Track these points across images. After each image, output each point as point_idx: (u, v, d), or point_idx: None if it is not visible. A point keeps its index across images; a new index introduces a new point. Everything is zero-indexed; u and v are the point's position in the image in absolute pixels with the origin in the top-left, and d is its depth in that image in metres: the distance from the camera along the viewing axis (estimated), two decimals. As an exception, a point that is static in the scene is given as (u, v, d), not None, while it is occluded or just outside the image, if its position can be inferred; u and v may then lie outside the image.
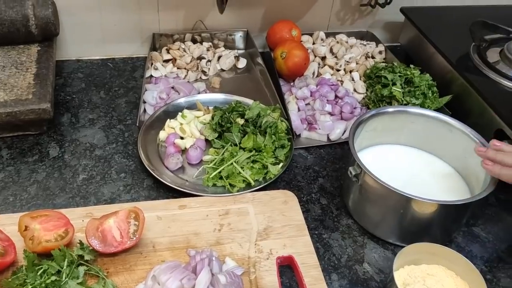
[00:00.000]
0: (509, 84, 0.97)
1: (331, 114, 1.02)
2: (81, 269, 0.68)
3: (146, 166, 0.88)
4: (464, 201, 0.73)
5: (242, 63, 1.21)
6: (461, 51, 1.08)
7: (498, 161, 0.73)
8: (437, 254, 0.73)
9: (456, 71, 1.03)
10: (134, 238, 0.72)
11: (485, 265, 0.79)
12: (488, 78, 0.99)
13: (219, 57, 1.19)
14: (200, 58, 1.17)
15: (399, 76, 1.04)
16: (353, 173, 0.78)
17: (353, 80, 1.12)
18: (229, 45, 1.25)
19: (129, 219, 0.74)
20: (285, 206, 0.84)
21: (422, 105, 1.00)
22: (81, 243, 0.71)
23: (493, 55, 1.04)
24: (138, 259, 0.73)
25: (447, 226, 0.79)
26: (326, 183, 0.92)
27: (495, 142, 0.75)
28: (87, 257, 0.70)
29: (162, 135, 0.96)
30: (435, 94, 1.03)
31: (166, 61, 1.16)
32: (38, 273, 0.67)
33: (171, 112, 1.01)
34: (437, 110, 1.01)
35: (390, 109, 0.88)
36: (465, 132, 0.84)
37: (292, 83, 1.11)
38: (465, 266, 0.71)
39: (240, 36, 1.24)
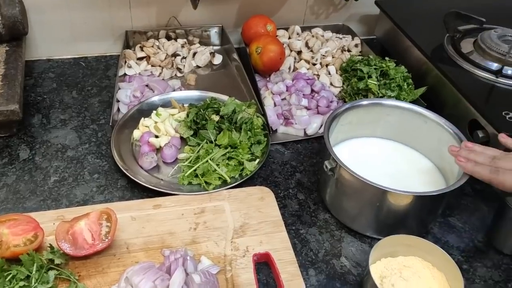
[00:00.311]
0: (482, 74, 0.97)
1: (307, 108, 1.02)
2: (51, 273, 0.66)
3: (120, 166, 0.87)
4: (438, 192, 0.72)
5: (217, 59, 1.19)
6: (436, 43, 1.08)
7: (471, 160, 0.74)
8: (414, 245, 0.73)
9: (430, 63, 1.03)
10: (106, 240, 0.71)
11: (461, 255, 0.79)
12: (462, 69, 1.00)
13: (194, 54, 1.18)
14: (174, 55, 1.15)
15: (375, 68, 1.04)
16: (329, 167, 0.77)
17: (329, 74, 1.12)
18: (204, 41, 1.23)
19: (100, 221, 0.72)
20: (262, 203, 0.83)
21: (397, 97, 1.00)
22: (51, 246, 0.69)
23: (467, 45, 1.04)
24: (111, 261, 0.72)
25: (423, 217, 0.79)
26: (303, 178, 0.91)
27: (467, 144, 0.77)
28: (57, 261, 0.68)
29: (136, 134, 0.95)
30: (410, 86, 1.03)
31: (140, 58, 1.14)
32: (7, 279, 0.65)
33: (145, 111, 1.00)
34: (413, 102, 1.01)
35: (365, 102, 0.87)
36: (440, 123, 0.84)
37: (268, 78, 1.10)
38: (441, 257, 0.71)
39: (215, 32, 1.23)
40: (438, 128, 0.84)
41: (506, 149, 0.76)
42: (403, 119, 0.88)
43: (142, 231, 0.77)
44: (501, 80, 0.95)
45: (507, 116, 0.86)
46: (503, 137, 0.77)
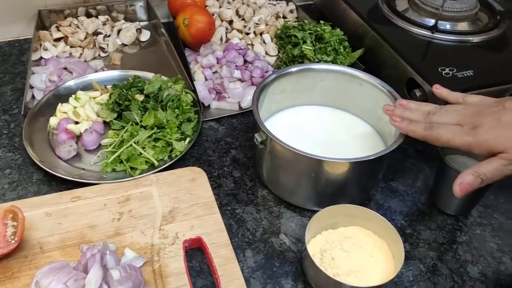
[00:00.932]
0: (418, 31, 0.93)
1: (241, 80, 0.96)
2: None
3: (33, 158, 0.78)
4: (374, 156, 0.68)
5: (145, 35, 1.11)
6: (371, 3, 1.03)
7: (405, 117, 0.69)
8: (354, 215, 0.69)
9: (366, 24, 0.99)
10: (13, 242, 0.63)
11: (404, 219, 0.76)
12: (398, 27, 0.95)
13: (118, 31, 1.09)
14: (96, 33, 1.06)
15: (309, 33, 0.98)
16: (259, 139, 0.72)
17: (264, 42, 1.06)
18: (130, 17, 1.14)
19: (5, 221, 0.64)
20: (193, 184, 0.77)
21: (334, 61, 0.95)
22: None
23: (401, 3, 1.00)
24: (22, 264, 0.64)
25: (363, 184, 0.75)
26: (239, 154, 0.85)
27: (401, 102, 0.72)
28: (-45, 270, 0.60)
29: (53, 121, 0.86)
30: (347, 49, 0.98)
31: (58, 40, 1.04)
32: None
33: (63, 96, 0.91)
34: (351, 65, 0.97)
35: (294, 69, 0.81)
36: (375, 84, 0.79)
37: (198, 52, 1.02)
38: (381, 224, 0.67)
39: (141, 6, 1.14)
40: (374, 90, 0.79)
41: (446, 103, 0.72)
42: (338, 83, 0.83)
43: (59, 227, 0.69)
44: (437, 35, 0.91)
45: (443, 72, 0.83)
46: (437, 88, 0.73)
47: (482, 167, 0.62)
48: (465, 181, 0.62)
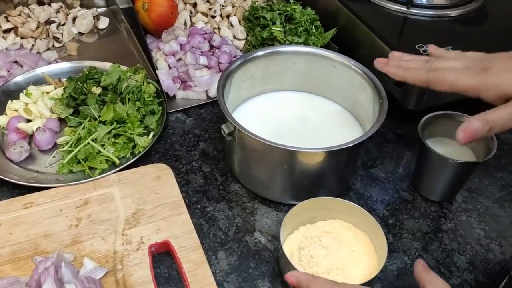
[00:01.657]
0: (393, 7, 0.88)
1: (207, 67, 0.89)
2: None
3: (-21, 162, 0.71)
4: (351, 144, 0.63)
5: (103, 23, 1.03)
6: (343, -21, 0.98)
7: (402, 66, 0.61)
8: (333, 207, 0.64)
9: (338, 1, 0.93)
10: (-46, 259, 0.56)
11: (386, 209, 0.71)
12: (372, 4, 0.90)
13: (74, 19, 1.01)
14: (49, 22, 0.97)
15: (279, 14, 0.92)
16: (226, 131, 0.66)
17: (231, 26, 0.99)
18: (87, 4, 1.06)
19: None
20: (158, 183, 0.70)
21: (306, 43, 0.89)
22: None
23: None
24: (-32, 283, 0.58)
25: (341, 173, 0.70)
26: (209, 147, 0.79)
27: (394, 53, 0.64)
28: None
29: (3, 120, 0.78)
30: (319, 30, 0.93)
31: (7, 31, 0.96)
32: None
33: (14, 91, 0.83)
34: (324, 46, 0.92)
35: (261, 53, 0.75)
36: (349, 65, 0.74)
37: (160, 39, 0.95)
38: (361, 216, 0.63)
39: (98, -9, 1.06)
40: (348, 71, 0.74)
41: None
42: (310, 66, 0.77)
43: (10, 238, 0.63)
44: (412, 11, 0.86)
45: (421, 50, 0.77)
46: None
47: (491, 113, 0.51)
48: (471, 126, 0.51)
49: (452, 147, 0.71)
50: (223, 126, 0.66)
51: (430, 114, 0.70)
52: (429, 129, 0.71)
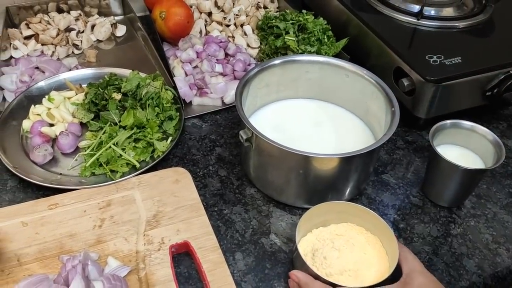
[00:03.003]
0: (404, 18, 0.91)
1: (222, 74, 0.92)
2: None
3: (6, 164, 0.74)
4: (365, 151, 0.65)
5: (121, 30, 1.06)
6: (354, -10, 1.01)
7: None
8: (345, 211, 0.67)
9: (350, 12, 0.96)
10: (-14, 256, 0.59)
11: (397, 213, 0.74)
12: (383, 15, 0.93)
13: (92, 27, 1.04)
14: (68, 29, 1.01)
15: (292, 23, 0.95)
16: (244, 137, 0.69)
17: (245, 34, 1.02)
18: (104, 12, 1.09)
19: (-23, 234, 0.60)
20: (177, 186, 0.73)
21: (318, 52, 0.92)
22: None
23: (385, -11, 0.98)
24: (-2, 280, 0.60)
25: (353, 179, 0.72)
26: (225, 152, 0.82)
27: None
28: None
29: (26, 124, 0.81)
30: (331, 39, 0.95)
31: (28, 37, 0.99)
32: None
33: (36, 97, 0.86)
34: (336, 55, 0.94)
35: (277, 61, 0.78)
36: (361, 75, 0.77)
37: (177, 46, 0.98)
38: (373, 220, 0.65)
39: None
40: (361, 80, 0.77)
41: None
42: (323, 75, 0.80)
43: (36, 237, 0.65)
44: (422, 22, 0.89)
45: (431, 60, 0.80)
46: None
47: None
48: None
49: (461, 154, 0.74)
50: (241, 132, 0.69)
51: (440, 123, 0.73)
52: (439, 136, 0.73)
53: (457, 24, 0.90)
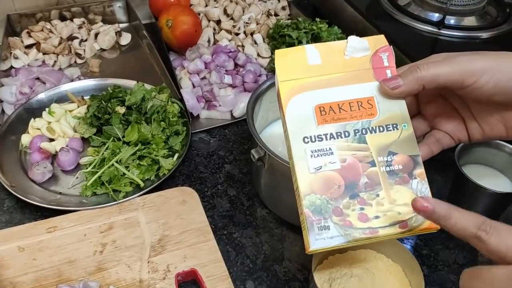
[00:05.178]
0: (423, 27, 0.86)
1: (232, 86, 0.87)
2: None
3: (2, 183, 0.70)
4: (387, 172, 0.61)
5: (125, 39, 1.02)
6: (370, -3, 0.96)
7: None
8: (364, 237, 0.62)
9: (366, 20, 0.91)
10: (-22, 287, 0.55)
11: (419, 238, 0.68)
12: (401, 24, 0.88)
13: (96, 35, 1.00)
14: (71, 38, 0.97)
15: (305, 32, 0.91)
16: (256, 156, 0.64)
17: (255, 43, 0.98)
18: (109, 19, 1.05)
19: (-32, 263, 0.56)
20: (184, 207, 0.69)
21: (333, 63, 0.87)
22: None
23: (403, -3, 0.93)
24: (-9, 312, 0.56)
25: (373, 201, 0.67)
26: (234, 169, 0.78)
27: None
28: None
29: (25, 139, 0.77)
30: (346, 49, 0.91)
31: (29, 46, 0.95)
32: None
33: (36, 110, 0.82)
34: (351, 66, 0.90)
35: (292, 73, 0.74)
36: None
37: (184, 56, 0.94)
38: (394, 247, 0.60)
39: (120, 6, 1.05)
40: (380, 94, 0.72)
41: None
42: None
43: (33, 264, 0.61)
44: (444, 32, 0.84)
45: (455, 73, 0.75)
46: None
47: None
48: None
49: (488, 174, 0.69)
50: (253, 151, 0.64)
51: (466, 141, 0.68)
52: (465, 155, 0.68)
53: (479, 34, 0.85)
